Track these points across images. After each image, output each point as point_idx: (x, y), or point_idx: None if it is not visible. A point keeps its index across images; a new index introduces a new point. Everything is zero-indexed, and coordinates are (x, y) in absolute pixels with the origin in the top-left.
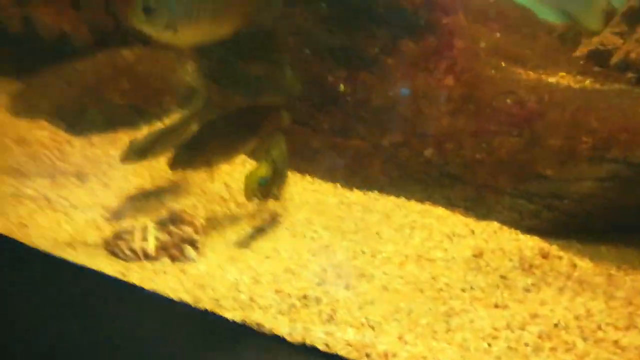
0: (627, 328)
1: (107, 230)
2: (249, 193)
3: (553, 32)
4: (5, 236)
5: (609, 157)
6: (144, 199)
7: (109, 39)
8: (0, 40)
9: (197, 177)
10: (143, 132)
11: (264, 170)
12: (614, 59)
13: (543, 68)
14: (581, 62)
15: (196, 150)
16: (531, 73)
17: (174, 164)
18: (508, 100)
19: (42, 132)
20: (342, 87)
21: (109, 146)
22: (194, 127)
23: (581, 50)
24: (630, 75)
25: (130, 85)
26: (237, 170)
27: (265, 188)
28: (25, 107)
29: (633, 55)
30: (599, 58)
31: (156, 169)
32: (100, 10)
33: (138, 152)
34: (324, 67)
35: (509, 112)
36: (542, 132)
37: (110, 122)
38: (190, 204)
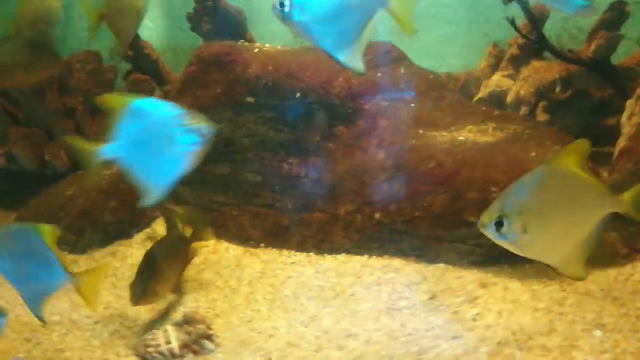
0: (550, 333)
1: (131, 337)
2: None
3: (457, 82)
4: None
5: None
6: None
7: None
8: None
9: (191, 271)
10: (137, 240)
11: None
12: (509, 99)
13: (454, 125)
14: (483, 109)
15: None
16: (445, 133)
17: (137, 302)
18: (430, 165)
19: None
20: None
21: (111, 258)
22: None
23: (483, 92)
24: (524, 109)
25: (116, 202)
26: (224, 258)
27: None
28: None
29: (522, 92)
30: (497, 98)
31: None
32: (72, 134)
33: None
34: (279, 159)
35: (433, 174)
36: (462, 187)
37: (106, 237)
38: (192, 299)
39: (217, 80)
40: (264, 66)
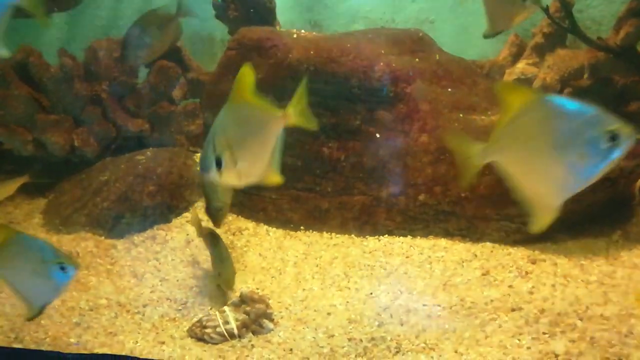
0: (606, 303)
1: (182, 320)
2: None
3: (482, 69)
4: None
5: None
6: (201, 284)
7: (112, 145)
8: (14, 163)
9: (234, 253)
10: (175, 224)
11: None
12: (535, 85)
13: (489, 110)
14: None
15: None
16: (483, 117)
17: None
18: None
19: (87, 242)
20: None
21: (151, 242)
22: None
23: (507, 79)
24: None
25: (154, 186)
26: (265, 240)
27: None
28: (61, 222)
29: (548, 80)
30: (522, 84)
31: (201, 254)
32: (100, 121)
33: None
34: (319, 143)
35: None
36: None
37: (145, 221)
38: (239, 280)
39: (258, 65)
40: (305, 51)
